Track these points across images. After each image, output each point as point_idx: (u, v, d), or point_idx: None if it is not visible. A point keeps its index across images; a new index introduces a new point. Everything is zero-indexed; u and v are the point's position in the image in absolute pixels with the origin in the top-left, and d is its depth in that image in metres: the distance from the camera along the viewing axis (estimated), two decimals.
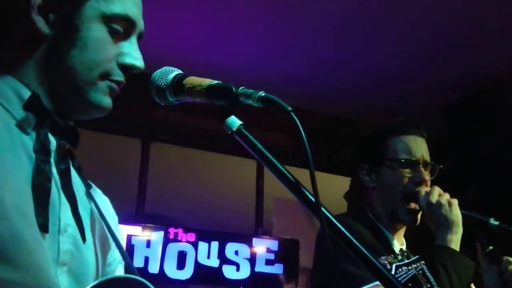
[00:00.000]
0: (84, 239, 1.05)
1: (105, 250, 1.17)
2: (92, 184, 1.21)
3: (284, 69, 4.50)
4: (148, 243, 4.29)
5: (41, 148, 1.02)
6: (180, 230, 4.41)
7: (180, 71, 1.11)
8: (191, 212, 5.38)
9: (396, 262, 0.90)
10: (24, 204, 0.95)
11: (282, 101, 0.96)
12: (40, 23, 1.06)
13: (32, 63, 1.07)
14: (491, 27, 3.91)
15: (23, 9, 1.05)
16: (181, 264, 4.33)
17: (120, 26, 1.10)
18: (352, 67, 4.48)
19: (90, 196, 1.15)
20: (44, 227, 0.96)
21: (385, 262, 0.88)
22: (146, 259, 4.24)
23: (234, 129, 1.00)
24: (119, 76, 1.12)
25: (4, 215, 0.91)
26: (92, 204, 1.14)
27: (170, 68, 1.11)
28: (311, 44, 4.19)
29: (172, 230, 4.39)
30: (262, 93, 0.98)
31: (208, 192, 5.71)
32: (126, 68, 1.12)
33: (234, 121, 1.01)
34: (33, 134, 1.04)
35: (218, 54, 4.31)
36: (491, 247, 2.13)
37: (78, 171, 1.15)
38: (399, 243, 2.02)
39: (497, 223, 2.01)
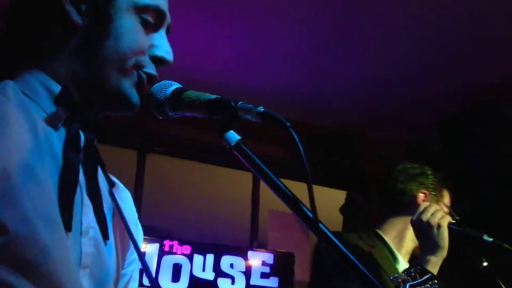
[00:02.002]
0: (105, 239, 1.05)
1: (125, 250, 1.17)
2: (115, 180, 1.21)
3: (276, 79, 4.50)
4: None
5: (72, 145, 1.02)
6: (175, 243, 4.40)
7: (179, 85, 1.11)
8: (187, 225, 5.36)
9: (410, 281, 0.90)
10: (50, 208, 0.94)
11: (281, 116, 0.97)
12: (74, 14, 1.05)
13: (63, 56, 1.06)
14: (488, 39, 3.93)
15: (54, 0, 1.05)
16: (176, 277, 4.31)
17: (151, 17, 1.11)
18: (346, 77, 4.48)
19: (112, 196, 1.14)
20: (67, 226, 0.96)
21: (399, 280, 0.87)
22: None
23: (233, 144, 1.01)
24: (152, 69, 1.12)
25: (31, 229, 0.90)
26: (114, 204, 1.14)
27: (169, 82, 1.12)
28: (303, 53, 4.20)
29: (167, 243, 4.37)
30: (261, 108, 0.99)
31: (204, 205, 5.70)
32: (156, 61, 1.12)
33: (233, 136, 1.02)
34: (62, 130, 1.03)
35: (211, 64, 4.32)
36: (485, 264, 2.13)
37: (103, 168, 1.15)
38: (404, 261, 2.03)
39: (491, 239, 2.00)
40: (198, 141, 4.67)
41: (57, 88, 1.04)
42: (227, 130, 1.02)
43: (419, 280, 0.88)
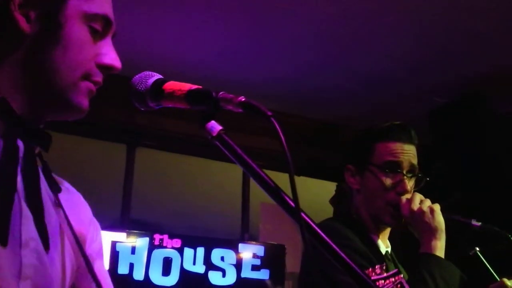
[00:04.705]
0: (47, 249, 1.02)
1: (76, 257, 1.14)
2: (63, 184, 1.18)
3: (268, 72, 4.50)
4: (133, 250, 4.26)
5: (8, 157, 0.99)
6: (165, 236, 4.39)
7: (160, 76, 1.10)
8: (177, 218, 5.36)
9: (373, 276, 0.89)
10: None
11: (262, 106, 0.96)
12: (22, 21, 1.02)
13: (8, 64, 1.03)
14: (477, 32, 3.93)
15: (2, 6, 1.01)
16: (166, 271, 4.31)
17: (99, 26, 1.09)
18: (336, 71, 4.49)
19: (58, 203, 1.11)
20: (2, 241, 0.93)
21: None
22: (131, 266, 4.21)
23: (214, 134, 1.00)
24: (99, 77, 1.10)
25: None
26: (61, 212, 1.11)
27: (150, 72, 1.11)
28: (295, 46, 4.19)
29: (157, 236, 4.36)
30: (242, 98, 0.98)
31: (194, 198, 5.69)
32: (104, 69, 1.10)
33: (214, 126, 1.00)
34: (0, 141, 0.99)
35: (202, 56, 4.31)
36: (476, 249, 2.13)
37: (47, 176, 1.12)
38: (384, 246, 2.02)
39: (479, 223, 2.00)
40: (187, 134, 4.66)
41: None
42: (209, 121, 1.01)
43: (384, 275, 0.87)
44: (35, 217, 1.01)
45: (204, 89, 1.04)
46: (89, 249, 1.18)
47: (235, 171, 4.99)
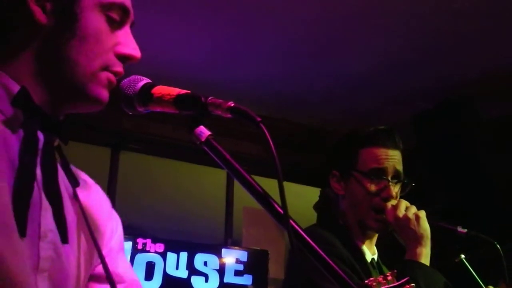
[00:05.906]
0: (64, 242, 1.02)
1: (90, 253, 1.14)
2: (84, 178, 1.18)
3: (253, 76, 4.50)
4: None
5: (28, 148, 0.98)
6: (148, 241, 4.36)
7: (148, 80, 1.10)
8: (160, 223, 5.33)
9: (382, 285, 0.88)
10: (2, 212, 0.91)
11: (251, 112, 0.96)
12: (38, 13, 1.02)
13: (26, 55, 1.03)
14: (462, 36, 3.96)
15: None
16: (149, 275, 4.28)
17: (116, 15, 1.09)
18: (321, 75, 4.49)
19: (76, 197, 1.11)
20: (21, 231, 0.92)
21: (374, 284, 0.86)
22: None
23: (203, 140, 0.99)
24: (119, 67, 1.10)
25: None
26: (77, 206, 1.11)
27: (138, 77, 1.10)
28: (280, 50, 4.20)
29: (140, 241, 4.33)
30: (231, 104, 0.97)
31: (177, 202, 5.67)
32: (123, 59, 1.10)
33: (203, 132, 1.00)
34: (21, 132, 1.00)
35: (189, 59, 4.30)
36: (462, 256, 2.14)
37: (66, 169, 1.12)
38: (370, 253, 2.02)
39: (465, 230, 2.01)
40: (171, 138, 4.65)
41: (15, 88, 1.01)
42: (197, 126, 1.01)
43: (394, 285, 0.85)
44: (54, 209, 1.01)
45: (193, 94, 1.03)
46: (111, 242, 1.19)
47: (219, 176, 4.99)
